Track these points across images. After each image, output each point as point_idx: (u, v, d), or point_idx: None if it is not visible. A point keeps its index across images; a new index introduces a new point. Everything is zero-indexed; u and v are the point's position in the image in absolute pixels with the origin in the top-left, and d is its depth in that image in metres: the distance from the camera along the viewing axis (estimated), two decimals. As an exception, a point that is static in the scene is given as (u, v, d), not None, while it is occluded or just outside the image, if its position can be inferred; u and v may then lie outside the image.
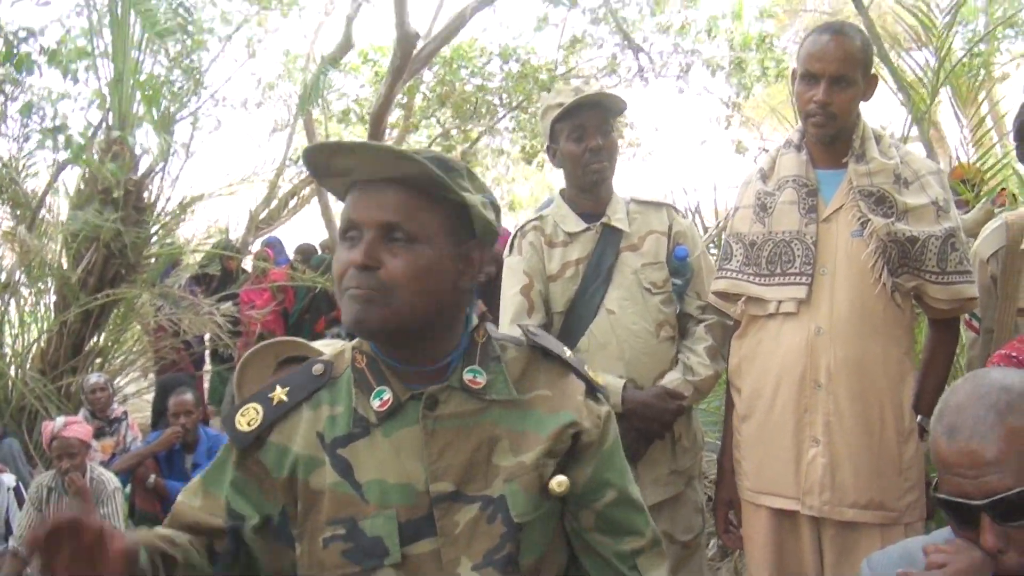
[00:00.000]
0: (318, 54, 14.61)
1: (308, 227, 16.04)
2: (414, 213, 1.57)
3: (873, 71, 2.73)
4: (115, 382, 7.51)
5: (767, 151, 3.17)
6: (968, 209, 4.15)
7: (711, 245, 5.16)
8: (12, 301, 7.91)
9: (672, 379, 3.00)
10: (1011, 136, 2.98)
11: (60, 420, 4.86)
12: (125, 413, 6.56)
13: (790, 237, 2.72)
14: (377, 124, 12.03)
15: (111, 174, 7.26)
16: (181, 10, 8.30)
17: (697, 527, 3.15)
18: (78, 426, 4.86)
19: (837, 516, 2.64)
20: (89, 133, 7.97)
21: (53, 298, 7.96)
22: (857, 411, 2.63)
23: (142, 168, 8.12)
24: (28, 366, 7.67)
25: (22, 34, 7.26)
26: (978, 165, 5.08)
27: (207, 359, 9.59)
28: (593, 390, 1.77)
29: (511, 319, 3.03)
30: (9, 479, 5.19)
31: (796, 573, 2.74)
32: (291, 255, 10.30)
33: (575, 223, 3.12)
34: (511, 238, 3.22)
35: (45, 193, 8.39)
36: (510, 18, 26.25)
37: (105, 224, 7.28)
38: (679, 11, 14.75)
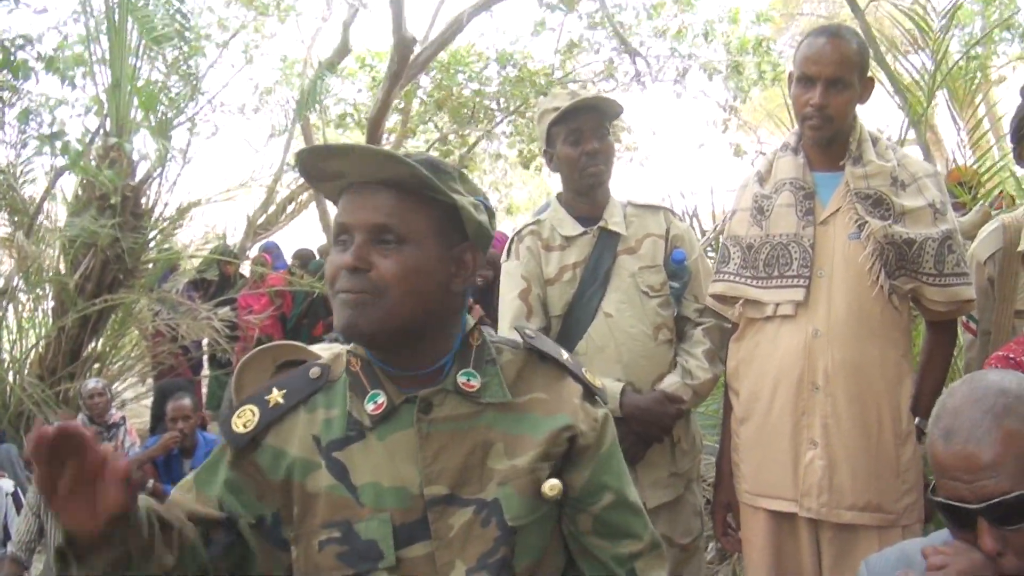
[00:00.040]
0: (315, 59, 14.60)
1: (306, 232, 16.05)
2: (404, 215, 1.58)
3: (869, 74, 2.74)
4: (113, 387, 7.50)
5: (764, 154, 3.17)
6: (965, 212, 4.14)
7: (708, 248, 5.16)
8: (10, 307, 7.91)
9: (671, 383, 3.00)
10: (1008, 138, 2.98)
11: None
12: (123, 418, 6.55)
13: (787, 240, 2.73)
14: (374, 129, 12.04)
15: (108, 180, 7.26)
16: (178, 16, 8.31)
17: (696, 530, 3.14)
18: (76, 431, 4.83)
19: (835, 518, 2.64)
20: (87, 139, 7.98)
21: (51, 304, 7.96)
22: (855, 413, 2.63)
23: (140, 174, 8.12)
24: (26, 371, 7.67)
25: (19, 41, 7.26)
26: (975, 168, 5.07)
27: (205, 364, 9.58)
28: (591, 393, 1.77)
29: (510, 323, 3.03)
30: (7, 484, 5.19)
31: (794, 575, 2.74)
32: (289, 260, 10.29)
33: (572, 227, 3.12)
34: (508, 243, 3.22)
35: (43, 199, 8.40)
36: (507, 23, 26.28)
37: (102, 231, 7.28)
38: (676, 15, 14.76)
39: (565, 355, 1.80)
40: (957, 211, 3.29)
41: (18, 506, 5.08)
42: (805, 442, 2.67)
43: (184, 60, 8.64)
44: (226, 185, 9.84)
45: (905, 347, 2.72)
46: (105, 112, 7.98)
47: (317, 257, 10.60)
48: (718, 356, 3.08)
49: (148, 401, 8.13)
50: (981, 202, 4.36)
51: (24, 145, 8.17)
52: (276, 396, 1.71)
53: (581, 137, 3.03)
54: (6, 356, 7.89)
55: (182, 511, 1.62)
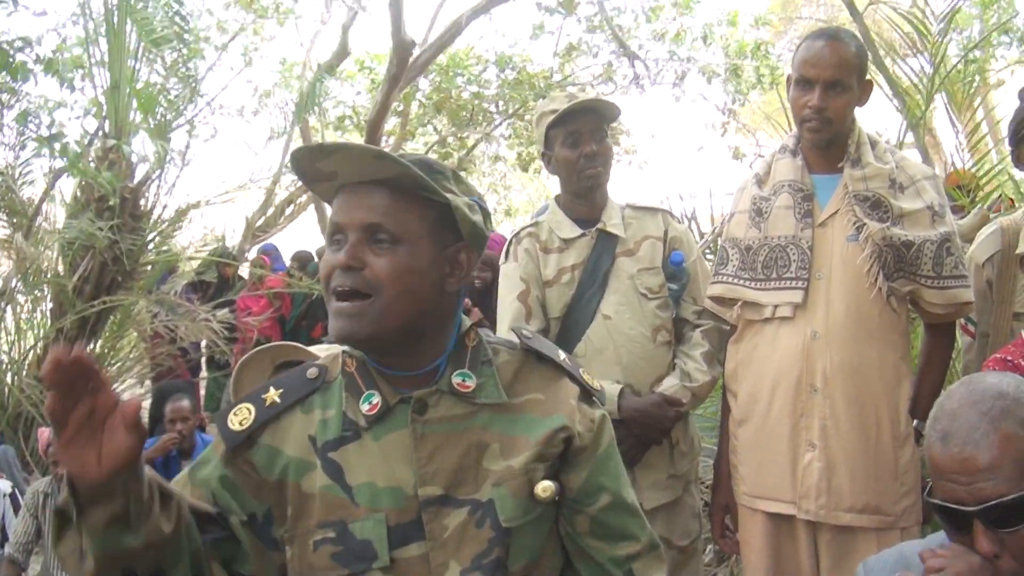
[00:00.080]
0: (314, 62, 14.61)
1: (305, 234, 16.05)
2: (397, 214, 1.58)
3: (868, 76, 2.74)
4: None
5: (762, 157, 3.17)
6: (963, 215, 4.15)
7: (707, 251, 5.16)
8: (9, 308, 7.90)
9: (670, 385, 3.00)
10: (1007, 141, 2.98)
11: (57, 427, 4.84)
12: (122, 419, 6.53)
13: (786, 242, 2.73)
14: (373, 131, 12.05)
15: (107, 182, 7.26)
16: (177, 19, 8.31)
17: (694, 532, 3.15)
18: (74, 432, 4.83)
19: (833, 520, 2.64)
20: (85, 141, 7.98)
21: (49, 305, 7.95)
22: (853, 415, 2.63)
23: (139, 176, 8.12)
24: (24, 373, 7.66)
25: (18, 43, 7.27)
26: (973, 171, 5.08)
27: (203, 366, 9.58)
28: (588, 394, 1.77)
29: (508, 325, 3.03)
30: (5, 486, 5.18)
31: (792, 577, 2.74)
32: (288, 262, 10.29)
33: (570, 229, 3.12)
34: (507, 245, 3.22)
35: (41, 201, 8.39)
36: (506, 26, 26.26)
37: (99, 234, 7.28)
38: (674, 18, 14.77)
39: (562, 356, 1.80)
40: (955, 214, 3.30)
41: (16, 507, 5.07)
42: (803, 444, 2.68)
43: (183, 62, 8.64)
44: (225, 187, 9.84)
45: (903, 349, 2.72)
46: (104, 114, 7.98)
47: (316, 259, 10.59)
48: (716, 358, 3.08)
49: (146, 403, 8.12)
50: (979, 205, 4.37)
51: (23, 147, 8.18)
52: (273, 395, 1.71)
53: (579, 139, 3.04)
54: (4, 357, 7.88)
55: None
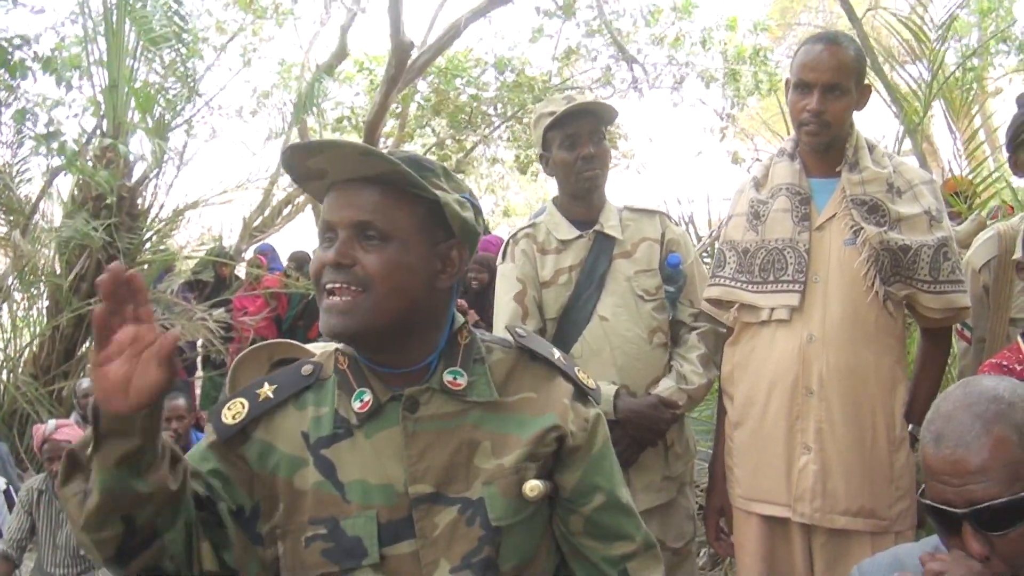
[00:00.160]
0: (313, 63, 14.61)
1: (302, 235, 16.06)
2: (387, 212, 1.58)
3: (867, 81, 2.75)
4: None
5: (760, 160, 3.18)
6: (961, 221, 4.16)
7: (704, 254, 5.17)
8: (5, 306, 7.90)
9: (666, 387, 3.00)
10: (1005, 147, 2.99)
11: (51, 423, 4.83)
12: (117, 418, 6.53)
13: (783, 245, 2.73)
14: (371, 133, 12.04)
15: (104, 181, 7.26)
16: (176, 18, 8.31)
17: (688, 534, 3.15)
18: (69, 429, 4.83)
19: (828, 524, 2.64)
20: (83, 140, 7.98)
21: (46, 303, 7.95)
22: (849, 419, 2.63)
23: (136, 175, 8.12)
24: (20, 370, 7.66)
25: (17, 41, 7.27)
26: (970, 178, 5.09)
27: (199, 365, 9.57)
28: (583, 393, 1.76)
29: (505, 325, 3.03)
30: (-1, 482, 5.19)
31: (786, 580, 2.74)
32: (285, 262, 10.30)
33: (568, 230, 3.12)
34: (504, 246, 3.23)
35: (39, 199, 8.40)
36: (505, 29, 26.28)
37: (94, 234, 7.28)
38: (673, 23, 14.78)
39: (557, 354, 1.80)
40: (952, 220, 3.31)
41: (10, 504, 5.07)
42: (799, 447, 2.68)
43: (181, 62, 8.65)
44: (222, 187, 9.84)
45: (899, 353, 2.73)
46: (102, 113, 7.98)
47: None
48: (713, 361, 3.08)
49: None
50: (976, 211, 4.38)
51: (20, 145, 8.19)
52: (267, 391, 1.72)
53: (577, 141, 3.04)
54: (0, 355, 7.88)
55: None
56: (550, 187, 16.02)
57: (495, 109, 15.35)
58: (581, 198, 3.12)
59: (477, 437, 1.66)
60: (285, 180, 13.69)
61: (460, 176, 1.90)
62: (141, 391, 1.38)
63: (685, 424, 3.18)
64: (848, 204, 2.67)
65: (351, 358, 1.71)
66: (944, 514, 1.61)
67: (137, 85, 8.11)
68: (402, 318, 1.61)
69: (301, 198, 14.26)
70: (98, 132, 8.09)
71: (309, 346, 2.53)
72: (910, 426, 2.70)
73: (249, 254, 11.57)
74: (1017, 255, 2.79)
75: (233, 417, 1.68)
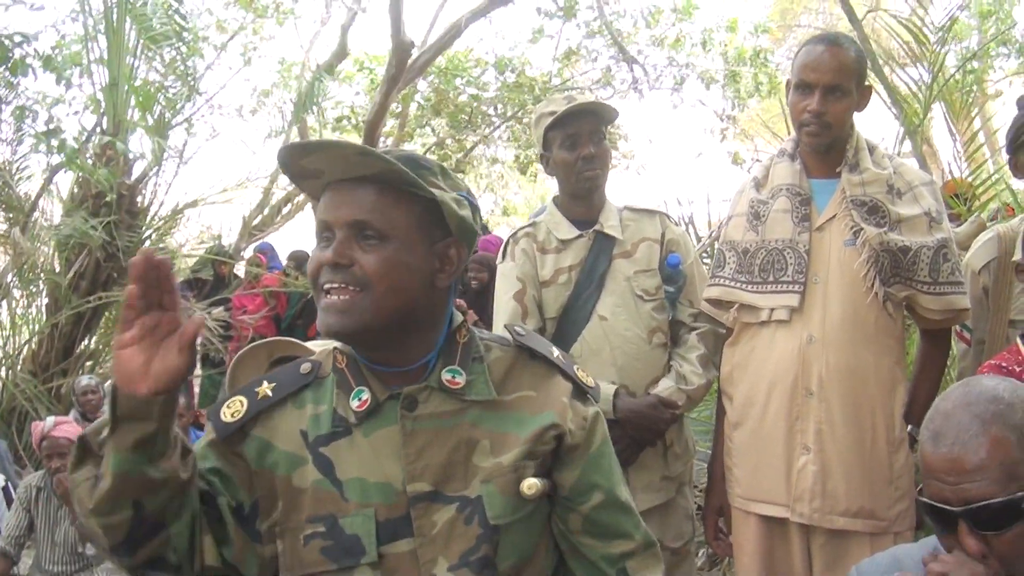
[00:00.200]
0: (313, 62, 14.60)
1: (301, 233, 16.05)
2: (384, 211, 1.58)
3: (867, 82, 2.75)
4: (106, 385, 7.49)
5: (760, 161, 3.18)
6: (960, 223, 4.16)
7: (704, 255, 5.18)
8: (4, 303, 7.90)
9: (665, 388, 3.00)
10: (1005, 148, 2.99)
11: (50, 420, 4.84)
12: (116, 416, 6.52)
13: (783, 245, 2.73)
14: (371, 132, 12.04)
15: (104, 179, 7.26)
16: (176, 17, 8.31)
17: (687, 534, 3.15)
18: (68, 426, 4.84)
19: (827, 524, 2.64)
20: (83, 138, 7.98)
21: (45, 300, 7.96)
22: (848, 419, 2.64)
23: (136, 173, 8.12)
24: (19, 368, 7.66)
25: (17, 38, 7.26)
26: (970, 180, 5.10)
27: (198, 363, 9.58)
28: (582, 391, 1.76)
29: (504, 324, 3.03)
30: (-2, 479, 5.20)
31: (785, 581, 2.74)
32: (284, 261, 10.30)
33: (568, 230, 3.12)
34: (504, 245, 3.23)
35: (38, 196, 8.40)
36: (506, 29, 26.27)
37: (93, 233, 7.28)
38: (674, 24, 14.78)
39: (556, 352, 1.80)
40: (952, 222, 3.31)
41: (8, 501, 5.08)
42: (798, 447, 2.68)
43: (182, 60, 8.65)
44: (222, 186, 9.86)
45: (899, 354, 2.73)
46: (102, 111, 7.98)
47: (311, 258, 10.59)
48: (712, 361, 3.08)
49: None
50: (976, 213, 4.38)
51: (20, 142, 8.19)
52: (265, 389, 1.72)
53: (577, 141, 3.04)
54: (-1, 352, 7.89)
55: None
56: (550, 187, 16.04)
57: (495, 109, 15.36)
58: (581, 198, 3.12)
59: (475, 435, 1.66)
60: (284, 179, 13.64)
61: (460, 175, 1.90)
62: (160, 375, 1.42)
63: (684, 424, 3.18)
64: (848, 205, 2.67)
65: (349, 357, 1.71)
66: (940, 512, 1.61)
67: (137, 83, 8.11)
68: (400, 317, 1.60)
69: (300, 197, 14.25)
70: (98, 130, 8.09)
71: (308, 344, 2.54)
72: (909, 427, 2.70)
73: (248, 253, 11.59)
74: (1017, 257, 2.79)
75: (232, 415, 1.68)
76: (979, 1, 10.80)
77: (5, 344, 7.95)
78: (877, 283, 2.63)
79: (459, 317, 1.76)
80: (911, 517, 2.67)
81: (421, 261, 1.62)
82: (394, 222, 1.59)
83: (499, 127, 15.81)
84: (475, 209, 1.73)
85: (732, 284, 2.84)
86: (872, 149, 2.76)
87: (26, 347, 7.84)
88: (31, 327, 7.99)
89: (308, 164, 1.61)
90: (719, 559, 4.52)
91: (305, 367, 1.75)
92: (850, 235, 2.66)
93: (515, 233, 3.21)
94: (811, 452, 2.65)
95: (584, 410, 1.74)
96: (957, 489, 1.58)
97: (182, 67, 8.66)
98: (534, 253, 3.13)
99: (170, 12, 8.24)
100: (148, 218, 8.27)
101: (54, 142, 7.41)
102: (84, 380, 6.38)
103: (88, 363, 7.92)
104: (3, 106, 8.04)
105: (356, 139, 13.98)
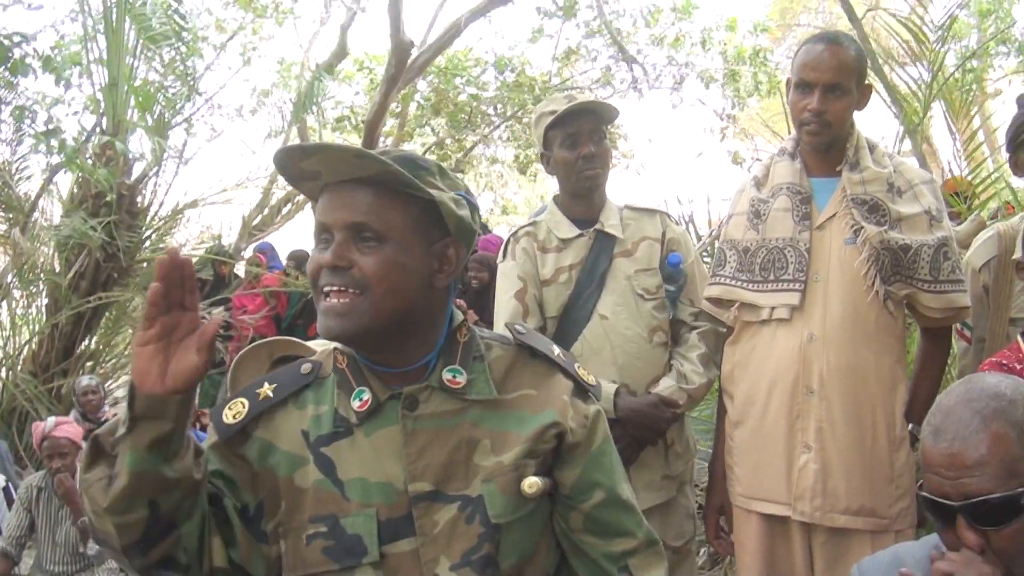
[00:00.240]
0: (313, 62, 14.60)
1: (301, 233, 16.03)
2: (382, 212, 1.58)
3: (867, 81, 2.75)
4: (106, 385, 7.51)
5: (760, 160, 3.18)
6: (960, 221, 4.16)
7: (704, 254, 5.18)
8: (4, 303, 7.90)
9: (666, 387, 3.00)
10: (1005, 147, 2.99)
11: (51, 420, 4.84)
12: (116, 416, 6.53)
13: (783, 244, 2.73)
14: (371, 132, 12.04)
15: (104, 179, 7.26)
16: (176, 17, 8.32)
17: (688, 533, 3.15)
18: (69, 426, 4.84)
19: (828, 522, 2.64)
20: (83, 138, 7.98)
21: (45, 301, 7.96)
22: (849, 418, 2.63)
23: (136, 173, 8.13)
24: (19, 368, 7.66)
25: (16, 38, 7.27)
26: (970, 179, 5.10)
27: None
28: (583, 389, 1.76)
29: (505, 323, 3.03)
30: (-1, 479, 5.20)
31: (786, 579, 2.74)
32: (284, 261, 10.30)
33: (568, 229, 3.12)
34: (504, 244, 3.23)
35: (38, 197, 8.41)
36: (505, 28, 26.28)
37: (93, 233, 7.29)
38: (673, 23, 14.78)
39: (557, 351, 1.80)
40: (952, 221, 3.31)
41: (9, 501, 5.08)
42: (799, 446, 2.68)
43: (181, 60, 8.65)
44: (222, 186, 9.86)
45: (900, 353, 2.73)
46: (101, 111, 7.98)
47: (312, 258, 10.57)
48: (713, 360, 3.08)
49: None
50: (976, 211, 4.38)
51: (20, 142, 8.19)
52: (266, 390, 1.72)
53: (578, 140, 3.04)
54: (-1, 352, 7.90)
55: None
56: (549, 186, 16.03)
57: (495, 109, 15.35)
58: (582, 197, 3.12)
59: (476, 435, 1.67)
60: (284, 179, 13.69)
61: (459, 175, 1.90)
62: (178, 375, 1.44)
63: (685, 423, 3.18)
64: (848, 203, 2.68)
65: (350, 357, 1.71)
66: (940, 507, 1.62)
67: (137, 83, 8.11)
68: (400, 318, 1.61)
69: (300, 197, 14.23)
70: (97, 130, 8.09)
71: (310, 344, 2.53)
72: (910, 425, 2.70)
73: (248, 252, 11.59)
74: (1017, 255, 2.79)
75: (234, 416, 1.69)
76: (978, 0, 10.81)
77: (5, 344, 7.96)
78: (878, 281, 2.63)
79: (459, 316, 1.76)
80: (912, 515, 2.68)
81: (419, 262, 1.62)
82: (392, 223, 1.59)
83: (499, 127, 15.80)
84: (474, 208, 1.73)
85: (733, 283, 2.84)
86: (872, 148, 2.76)
87: (26, 347, 7.85)
88: (31, 327, 8.00)
89: (305, 166, 1.61)
90: (720, 558, 4.52)
91: (306, 367, 1.75)
92: (850, 233, 2.66)
93: (516, 232, 3.21)
94: (812, 450, 2.65)
95: (585, 408, 1.74)
96: (957, 484, 1.59)
97: (182, 67, 8.66)
98: (535, 252, 3.12)
99: (169, 12, 8.24)
100: (148, 218, 8.27)
101: (54, 142, 7.42)
102: (84, 380, 6.39)
103: (88, 363, 7.93)
104: (3, 106, 8.04)
105: (356, 139, 13.99)
